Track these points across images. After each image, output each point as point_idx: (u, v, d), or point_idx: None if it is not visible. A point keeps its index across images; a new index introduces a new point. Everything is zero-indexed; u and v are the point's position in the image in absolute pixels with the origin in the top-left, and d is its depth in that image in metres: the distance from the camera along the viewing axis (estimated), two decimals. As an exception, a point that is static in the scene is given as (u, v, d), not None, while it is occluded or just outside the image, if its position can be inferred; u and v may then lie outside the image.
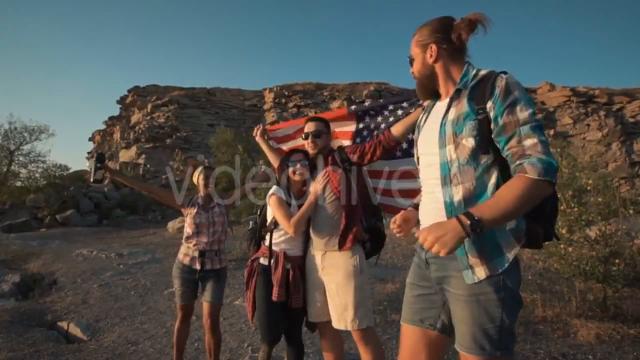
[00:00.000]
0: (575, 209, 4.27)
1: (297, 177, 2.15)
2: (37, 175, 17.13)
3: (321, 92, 24.41)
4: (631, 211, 4.30)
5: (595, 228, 4.26)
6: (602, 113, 18.33)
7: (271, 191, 2.15)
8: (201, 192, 2.74)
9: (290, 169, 2.15)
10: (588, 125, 18.36)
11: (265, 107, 25.32)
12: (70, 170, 18.24)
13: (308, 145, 2.15)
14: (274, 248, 2.15)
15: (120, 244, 9.44)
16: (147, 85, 28.41)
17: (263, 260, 2.17)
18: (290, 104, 24.07)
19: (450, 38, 1.32)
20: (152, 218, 15.63)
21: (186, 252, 2.68)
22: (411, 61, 1.43)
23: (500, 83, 1.21)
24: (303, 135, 2.18)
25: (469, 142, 1.23)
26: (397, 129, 1.95)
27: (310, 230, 2.08)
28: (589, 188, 4.40)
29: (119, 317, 4.22)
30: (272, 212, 2.12)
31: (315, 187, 2.04)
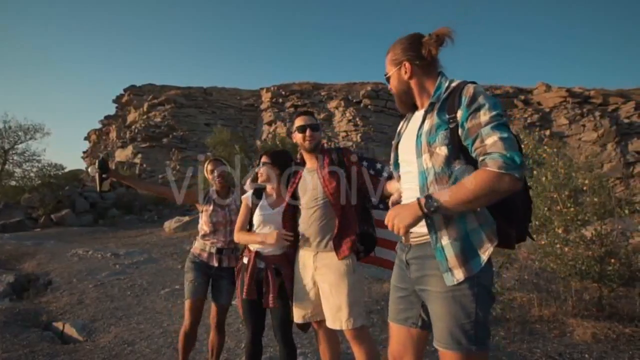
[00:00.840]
0: (572, 209, 4.29)
1: (259, 179, 2.24)
2: (32, 174, 17.02)
3: (318, 92, 24.40)
4: (627, 211, 4.33)
5: (591, 228, 4.29)
6: (597, 114, 18.46)
7: (246, 194, 2.32)
8: (214, 187, 2.64)
9: (259, 170, 2.24)
10: (584, 125, 18.48)
11: (262, 106, 25.26)
12: (66, 170, 18.14)
13: (304, 139, 2.04)
14: (250, 247, 2.22)
15: (116, 244, 9.39)
16: (143, 85, 28.28)
17: (245, 259, 2.24)
18: (288, 104, 24.03)
19: (421, 54, 1.40)
20: (148, 218, 15.56)
21: (203, 248, 2.59)
22: (388, 79, 1.51)
23: (467, 92, 1.29)
24: (298, 129, 2.05)
25: (442, 151, 1.31)
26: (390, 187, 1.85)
27: (301, 231, 2.05)
28: (585, 188, 4.42)
29: (115, 318, 4.19)
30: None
31: (268, 238, 2.06)
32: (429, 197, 1.25)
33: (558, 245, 4.21)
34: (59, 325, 4.01)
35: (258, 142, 21.29)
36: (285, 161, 2.21)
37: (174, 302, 4.68)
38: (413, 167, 1.40)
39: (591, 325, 3.62)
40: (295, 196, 2.10)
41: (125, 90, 28.76)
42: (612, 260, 4.02)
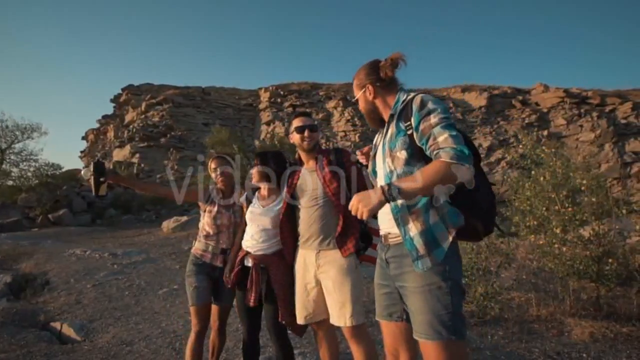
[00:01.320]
0: (570, 209, 4.31)
1: (252, 180, 2.25)
2: (29, 174, 16.93)
3: (317, 91, 24.39)
4: (624, 211, 4.34)
5: (589, 228, 4.30)
6: (594, 114, 18.53)
7: (241, 198, 2.36)
8: (218, 185, 2.51)
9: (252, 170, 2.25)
10: (581, 126, 18.54)
11: (261, 106, 25.23)
12: (63, 170, 18.05)
13: (303, 140, 2.06)
14: (242, 246, 2.25)
15: (114, 244, 9.36)
16: (141, 84, 28.15)
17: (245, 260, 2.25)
18: (286, 104, 24.01)
19: (380, 77, 1.61)
20: (146, 217, 15.53)
21: (205, 249, 2.45)
22: (356, 101, 1.72)
23: (416, 101, 1.47)
24: (296, 130, 2.07)
25: (402, 154, 1.50)
26: None
27: (302, 231, 2.05)
28: (583, 188, 4.44)
29: (113, 318, 4.18)
30: None
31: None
32: (391, 184, 1.40)
33: (556, 245, 4.22)
34: (56, 325, 3.99)
35: (256, 142, 21.27)
36: (277, 161, 2.20)
37: (172, 302, 4.68)
38: (382, 171, 1.58)
39: (589, 325, 3.63)
40: (293, 196, 2.10)
41: (123, 89, 28.64)
42: (610, 260, 4.04)
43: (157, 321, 4.01)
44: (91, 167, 2.32)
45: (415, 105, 1.46)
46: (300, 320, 2.05)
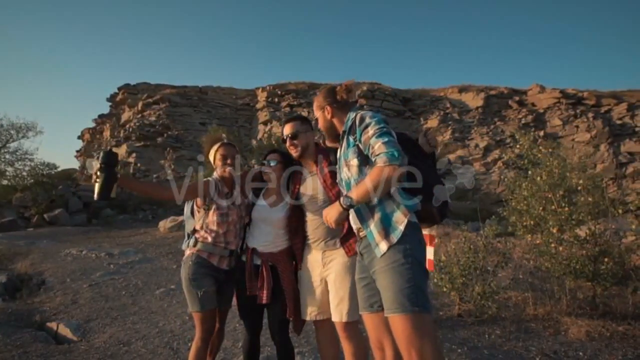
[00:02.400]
0: (566, 209, 4.33)
1: (265, 177, 2.21)
2: (25, 173, 16.79)
3: (314, 91, 24.34)
4: (620, 211, 4.37)
5: (585, 227, 4.33)
6: (590, 115, 18.64)
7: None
8: (218, 173, 2.29)
9: (262, 169, 2.22)
10: (577, 126, 18.64)
11: (258, 106, 25.17)
12: (59, 169, 17.92)
13: (289, 149, 2.13)
14: (247, 244, 2.22)
15: (111, 244, 9.30)
16: (137, 83, 28.00)
17: (243, 257, 2.23)
18: (283, 104, 23.97)
19: (336, 99, 1.89)
20: (142, 217, 15.44)
21: (212, 251, 2.23)
22: (317, 120, 1.98)
23: (357, 118, 1.75)
24: (282, 140, 2.19)
25: (354, 162, 1.75)
26: None
27: (309, 232, 2.09)
28: (579, 188, 4.46)
29: (110, 318, 4.15)
30: None
31: None
32: (345, 196, 1.71)
33: (553, 245, 4.24)
34: (52, 325, 3.96)
35: (254, 142, 21.21)
36: (291, 161, 2.22)
37: (169, 302, 4.66)
38: (344, 180, 1.84)
39: (585, 324, 3.65)
40: (298, 197, 2.13)
41: (119, 88, 28.48)
42: (606, 260, 4.06)
43: (154, 321, 3.99)
44: (101, 158, 1.88)
45: (357, 121, 1.74)
46: (304, 315, 2.07)
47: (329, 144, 2.09)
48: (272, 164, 2.20)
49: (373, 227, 1.66)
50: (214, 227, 2.22)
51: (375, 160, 1.61)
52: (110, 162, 1.91)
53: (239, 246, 2.30)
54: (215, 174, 2.30)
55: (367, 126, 1.68)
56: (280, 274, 2.12)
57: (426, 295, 1.55)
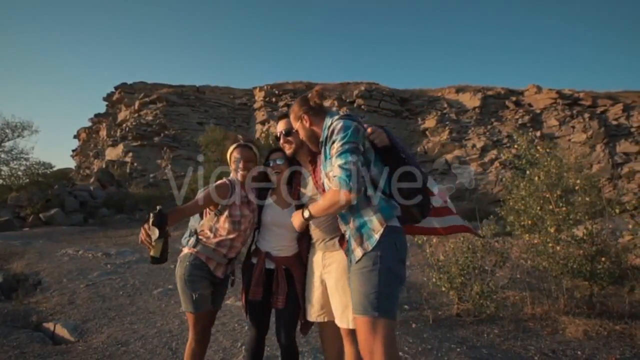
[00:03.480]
0: (564, 209, 4.35)
1: (273, 177, 2.16)
2: (20, 173, 16.64)
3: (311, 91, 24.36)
4: (617, 210, 4.40)
5: (582, 227, 4.35)
6: (586, 115, 18.75)
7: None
8: (237, 176, 2.18)
9: (269, 169, 2.17)
10: (573, 127, 18.75)
11: (256, 105, 25.12)
12: (55, 168, 17.78)
13: (282, 146, 2.11)
14: (259, 247, 2.17)
15: (107, 244, 9.25)
16: (134, 82, 27.87)
17: (253, 259, 2.19)
18: (281, 103, 23.94)
19: (311, 106, 1.89)
20: (139, 217, 15.36)
21: (210, 256, 2.15)
22: (297, 132, 1.97)
23: (330, 129, 1.74)
24: (276, 137, 2.17)
25: (332, 174, 1.70)
26: None
27: (311, 232, 2.07)
28: (577, 188, 4.49)
29: (108, 318, 4.13)
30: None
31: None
32: (305, 208, 1.83)
33: (550, 245, 4.26)
34: (49, 326, 3.93)
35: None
36: (294, 160, 2.19)
37: (167, 302, 4.64)
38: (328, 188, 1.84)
39: (583, 323, 3.67)
40: (299, 196, 2.12)
41: (116, 88, 28.32)
42: (603, 259, 4.09)
43: (153, 321, 3.97)
44: (156, 222, 1.80)
45: (329, 133, 1.74)
46: (308, 316, 2.06)
47: (315, 151, 2.00)
48: (279, 162, 2.15)
49: (351, 233, 1.71)
50: (223, 233, 2.15)
51: (334, 180, 1.65)
52: (164, 223, 1.85)
53: (239, 253, 2.26)
54: (232, 175, 2.23)
55: (334, 141, 1.69)
56: (294, 277, 2.10)
57: (391, 302, 1.59)
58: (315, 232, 2.05)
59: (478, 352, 3.11)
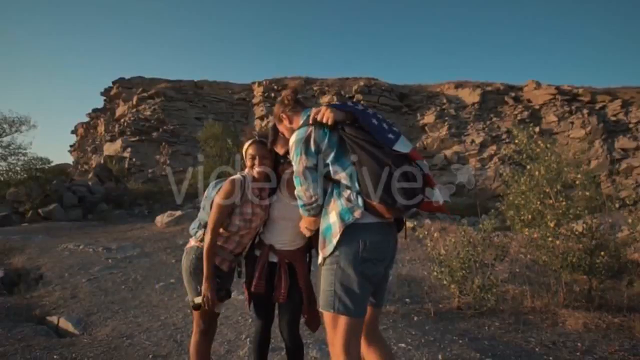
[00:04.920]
0: (563, 203, 4.39)
1: (287, 176, 2.14)
2: (18, 168, 16.56)
3: (310, 86, 24.29)
4: (617, 205, 4.44)
5: (581, 222, 4.40)
6: (585, 111, 18.82)
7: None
8: (252, 173, 2.16)
9: (280, 167, 2.15)
10: (572, 123, 18.82)
11: (254, 101, 25.05)
12: (52, 164, 17.69)
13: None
14: (264, 241, 2.18)
15: (107, 239, 9.25)
16: (132, 77, 27.72)
17: (256, 252, 2.20)
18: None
19: (285, 103, 1.92)
20: (138, 212, 15.34)
21: (216, 253, 2.14)
22: (282, 134, 1.99)
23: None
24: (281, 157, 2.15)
25: None
26: None
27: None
28: (577, 182, 4.52)
29: (111, 311, 4.15)
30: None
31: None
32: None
33: (550, 239, 4.30)
34: (53, 319, 3.95)
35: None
36: None
37: (169, 296, 4.66)
38: None
39: (582, 316, 3.72)
40: None
41: (113, 82, 28.16)
42: (602, 253, 4.14)
43: (156, 314, 3.99)
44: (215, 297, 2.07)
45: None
46: (319, 306, 2.08)
47: None
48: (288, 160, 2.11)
49: (319, 235, 1.78)
50: (234, 229, 2.15)
51: None
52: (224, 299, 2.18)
53: (246, 250, 2.27)
54: (246, 172, 2.21)
55: (292, 159, 1.78)
56: (297, 272, 2.12)
57: (345, 300, 1.65)
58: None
59: (480, 344, 3.15)
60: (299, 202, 1.79)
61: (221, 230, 2.15)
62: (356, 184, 1.66)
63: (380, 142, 1.63)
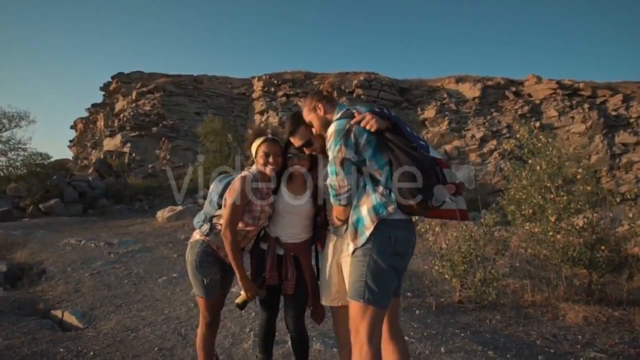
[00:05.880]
0: (564, 197, 4.41)
1: (297, 172, 2.16)
2: (18, 163, 16.55)
3: (310, 81, 24.17)
4: (618, 199, 4.46)
5: (582, 216, 4.42)
6: (586, 106, 18.77)
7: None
8: (265, 170, 2.16)
9: (289, 161, 2.15)
10: (572, 117, 18.78)
11: (254, 95, 24.95)
12: (52, 159, 17.69)
13: (310, 153, 2.13)
14: (270, 234, 2.20)
15: (109, 234, 9.27)
16: (131, 72, 27.56)
17: (262, 245, 2.22)
18: (280, 93, 23.79)
19: (324, 95, 1.98)
20: (138, 207, 15.36)
21: (222, 246, 2.16)
22: (311, 124, 2.00)
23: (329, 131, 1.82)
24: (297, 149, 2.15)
25: None
26: None
27: (329, 219, 2.10)
28: (578, 177, 4.53)
29: (115, 305, 4.18)
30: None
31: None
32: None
33: (550, 233, 4.33)
34: (57, 313, 3.98)
35: (249, 132, 21.06)
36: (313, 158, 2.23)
37: (172, 290, 4.69)
38: None
39: (582, 309, 3.76)
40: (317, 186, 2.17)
41: (112, 77, 28.00)
42: (603, 248, 4.16)
43: (160, 308, 4.02)
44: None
45: (327, 138, 1.82)
46: (323, 300, 2.10)
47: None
48: (301, 154, 2.14)
49: (350, 226, 1.82)
50: (240, 225, 2.15)
51: None
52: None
53: (250, 243, 2.29)
54: (254, 168, 2.22)
55: (329, 148, 1.81)
56: (302, 265, 2.14)
57: (375, 291, 1.71)
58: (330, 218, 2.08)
59: (482, 337, 3.19)
60: (331, 192, 1.80)
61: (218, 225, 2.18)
62: (389, 182, 1.75)
63: (417, 147, 1.78)
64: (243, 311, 3.77)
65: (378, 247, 1.73)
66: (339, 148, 1.75)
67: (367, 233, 1.73)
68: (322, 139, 2.05)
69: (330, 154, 1.79)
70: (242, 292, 2.12)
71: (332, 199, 1.83)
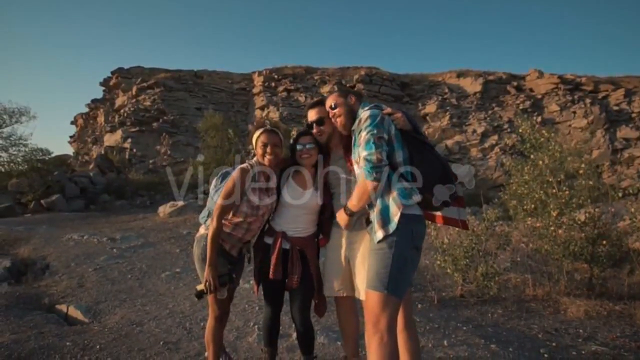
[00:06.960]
0: (566, 192, 4.41)
1: (305, 161, 2.16)
2: (19, 159, 16.55)
3: (311, 76, 24.09)
4: (620, 194, 4.47)
5: (583, 211, 4.43)
6: (587, 101, 18.71)
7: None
8: (263, 161, 2.18)
9: (298, 153, 2.16)
10: (574, 112, 18.73)
11: (255, 90, 24.87)
12: (53, 155, 17.67)
13: (316, 135, 2.16)
14: (275, 228, 2.21)
15: (111, 229, 9.30)
16: (131, 67, 27.47)
17: (267, 239, 2.23)
18: (280, 88, 23.71)
19: (356, 92, 2.14)
20: (140, 203, 15.39)
21: (226, 239, 2.21)
22: (333, 107, 2.05)
23: (359, 118, 1.92)
24: (307, 125, 2.21)
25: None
26: None
27: (336, 212, 2.12)
28: (580, 172, 4.54)
29: (119, 300, 4.21)
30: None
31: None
32: (346, 206, 1.97)
33: (552, 228, 4.34)
34: (62, 307, 4.01)
35: (250, 127, 21.07)
36: (322, 146, 2.26)
37: (176, 285, 4.72)
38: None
39: (583, 303, 3.78)
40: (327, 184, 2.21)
41: (112, 73, 27.92)
42: (604, 242, 4.18)
43: (164, 303, 4.05)
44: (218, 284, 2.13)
45: (358, 122, 1.90)
46: (327, 291, 2.14)
47: (345, 133, 2.07)
48: (309, 147, 2.14)
49: (375, 215, 1.85)
50: (241, 217, 2.18)
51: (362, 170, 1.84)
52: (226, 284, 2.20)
53: (255, 237, 2.30)
54: (254, 160, 2.24)
55: (361, 131, 1.85)
56: (308, 259, 2.16)
57: (398, 282, 1.77)
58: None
59: (484, 331, 3.21)
60: (367, 166, 1.78)
61: (230, 217, 2.19)
62: (409, 177, 1.83)
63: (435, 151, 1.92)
64: (247, 305, 3.81)
65: (401, 240, 1.79)
66: (376, 128, 1.81)
67: (396, 220, 1.78)
68: (333, 129, 2.10)
69: (364, 134, 1.81)
70: (202, 283, 2.12)
71: (365, 174, 1.79)
